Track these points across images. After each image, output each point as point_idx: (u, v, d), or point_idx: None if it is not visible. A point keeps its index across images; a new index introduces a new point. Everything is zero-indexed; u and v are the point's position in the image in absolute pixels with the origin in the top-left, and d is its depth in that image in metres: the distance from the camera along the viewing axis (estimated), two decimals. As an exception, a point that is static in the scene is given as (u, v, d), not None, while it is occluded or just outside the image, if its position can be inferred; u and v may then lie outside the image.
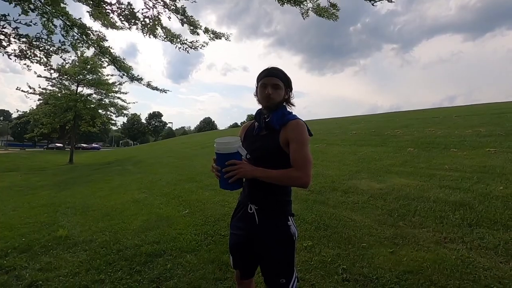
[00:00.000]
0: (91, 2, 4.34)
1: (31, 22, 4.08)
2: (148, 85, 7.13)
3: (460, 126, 8.16)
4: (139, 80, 6.88)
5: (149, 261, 2.58)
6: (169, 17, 4.72)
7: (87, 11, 4.95)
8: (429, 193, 3.75)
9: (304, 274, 2.23)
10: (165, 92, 7.64)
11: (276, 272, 1.24)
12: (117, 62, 6.26)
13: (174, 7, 4.56)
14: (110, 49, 5.91)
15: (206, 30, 5.00)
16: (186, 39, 5.09)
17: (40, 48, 4.88)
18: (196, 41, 5.09)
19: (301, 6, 3.75)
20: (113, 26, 5.29)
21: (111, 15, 4.68)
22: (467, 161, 5.00)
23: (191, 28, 4.86)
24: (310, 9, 3.80)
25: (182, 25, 4.82)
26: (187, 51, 5.10)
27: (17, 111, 16.35)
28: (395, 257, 2.35)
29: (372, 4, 3.39)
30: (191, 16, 4.76)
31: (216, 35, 5.11)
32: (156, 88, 7.35)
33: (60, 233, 3.32)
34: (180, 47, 5.05)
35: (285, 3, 3.70)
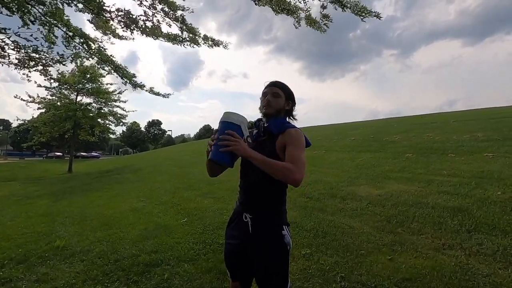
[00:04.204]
0: (91, 10, 4.39)
1: (31, 35, 4.14)
2: (151, 90, 7.15)
3: (457, 131, 8.20)
4: (142, 87, 6.91)
5: (146, 271, 2.56)
6: (170, 25, 4.79)
7: (88, 20, 5.02)
8: (427, 199, 3.75)
9: (303, 282, 2.21)
10: (167, 97, 7.66)
11: (270, 282, 1.23)
12: (119, 70, 6.30)
13: (174, 16, 4.63)
14: (112, 57, 5.96)
15: (205, 38, 5.05)
16: (188, 37, 5.08)
17: (37, 61, 4.91)
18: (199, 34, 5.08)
19: (294, 16, 3.83)
20: (115, 34, 5.36)
21: (111, 22, 4.73)
22: (465, 166, 5.01)
23: (191, 35, 4.91)
24: (303, 19, 3.88)
25: (182, 33, 4.88)
26: (192, 46, 5.08)
27: (17, 119, 16.18)
28: (394, 265, 2.34)
29: (362, 20, 3.47)
30: (190, 24, 4.83)
31: (215, 43, 5.16)
32: (158, 94, 7.37)
33: (58, 243, 3.30)
34: (186, 44, 5.03)
35: (280, 13, 3.78)
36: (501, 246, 2.44)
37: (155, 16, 4.60)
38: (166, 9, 4.55)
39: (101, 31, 5.20)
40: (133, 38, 6.06)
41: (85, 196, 7.13)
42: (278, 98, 1.33)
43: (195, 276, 2.42)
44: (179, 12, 4.62)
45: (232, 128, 1.17)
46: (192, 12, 4.51)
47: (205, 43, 5.13)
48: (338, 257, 2.56)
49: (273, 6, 3.93)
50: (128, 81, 6.60)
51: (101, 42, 5.50)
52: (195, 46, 5.10)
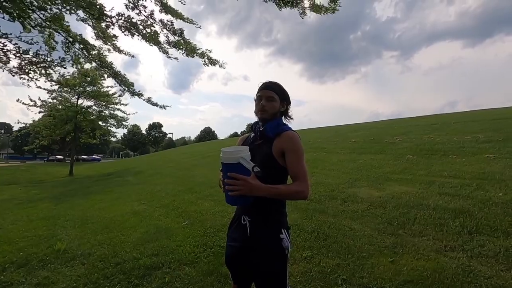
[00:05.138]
0: (92, 15, 4.41)
1: (32, 39, 4.17)
2: (148, 100, 7.14)
3: (458, 132, 8.19)
4: (140, 95, 6.94)
5: (147, 274, 2.55)
6: (167, 37, 4.81)
7: (92, 31, 5.09)
8: (428, 200, 3.74)
9: (304, 285, 2.20)
10: (165, 108, 7.62)
11: (268, 285, 1.23)
12: (118, 77, 6.33)
13: (172, 28, 4.66)
14: (111, 64, 6.00)
15: (202, 55, 5.08)
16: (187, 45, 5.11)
17: (39, 65, 4.94)
18: (199, 49, 5.11)
19: (298, 7, 3.83)
20: (115, 48, 5.42)
21: (112, 27, 4.77)
22: (466, 167, 5.00)
23: (187, 51, 4.93)
24: (308, 8, 3.86)
25: (179, 46, 4.90)
26: (192, 56, 5.14)
27: (18, 123, 16.22)
28: (395, 267, 2.33)
29: None
30: (188, 39, 4.87)
31: (212, 62, 5.22)
32: (156, 104, 7.35)
33: (59, 247, 3.30)
34: (183, 53, 5.07)
35: (283, 7, 3.78)
36: (503, 247, 2.43)
37: (153, 26, 4.63)
38: (164, 19, 4.59)
39: (101, 41, 5.26)
40: (133, 56, 6.15)
41: (86, 199, 7.13)
42: (272, 102, 1.31)
43: (196, 279, 2.42)
44: (177, 25, 4.68)
45: (233, 169, 1.11)
46: (200, 27, 4.58)
47: (202, 60, 5.17)
48: (339, 259, 2.55)
49: (277, 1, 3.91)
50: (126, 89, 6.66)
51: (100, 49, 5.55)
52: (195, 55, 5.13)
